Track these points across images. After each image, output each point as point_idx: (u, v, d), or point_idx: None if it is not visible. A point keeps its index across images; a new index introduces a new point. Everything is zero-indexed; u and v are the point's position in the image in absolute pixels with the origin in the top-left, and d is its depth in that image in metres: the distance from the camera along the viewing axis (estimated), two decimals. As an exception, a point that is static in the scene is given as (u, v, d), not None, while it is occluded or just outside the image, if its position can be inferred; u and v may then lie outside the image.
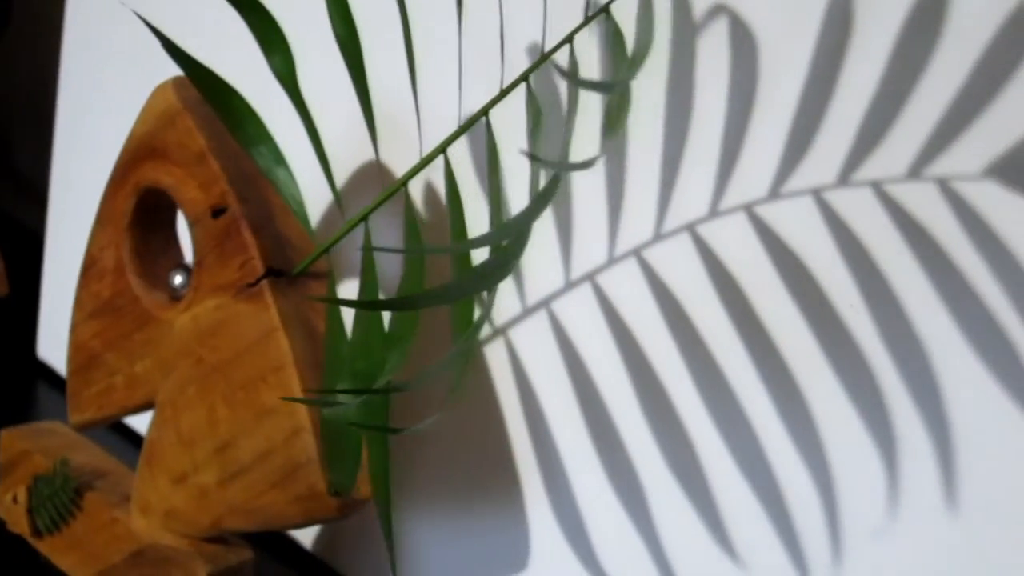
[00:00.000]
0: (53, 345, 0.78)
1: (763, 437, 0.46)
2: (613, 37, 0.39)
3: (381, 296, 0.47)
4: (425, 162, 0.41)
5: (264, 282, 0.47)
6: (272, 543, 0.63)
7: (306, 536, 0.64)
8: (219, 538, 0.54)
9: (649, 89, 0.48)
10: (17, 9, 0.92)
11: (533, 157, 0.25)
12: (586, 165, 0.29)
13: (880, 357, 0.43)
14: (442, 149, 0.42)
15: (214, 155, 0.48)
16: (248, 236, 0.47)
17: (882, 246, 0.43)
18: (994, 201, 0.40)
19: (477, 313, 0.46)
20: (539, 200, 0.29)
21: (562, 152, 0.33)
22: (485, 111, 0.41)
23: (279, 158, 0.47)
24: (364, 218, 0.45)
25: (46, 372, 0.78)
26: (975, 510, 0.42)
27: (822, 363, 0.45)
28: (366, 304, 0.40)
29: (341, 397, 0.42)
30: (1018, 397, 0.40)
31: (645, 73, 0.48)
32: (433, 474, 0.58)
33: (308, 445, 0.46)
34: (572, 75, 0.29)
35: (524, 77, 0.40)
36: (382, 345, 0.42)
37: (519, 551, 0.55)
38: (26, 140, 0.98)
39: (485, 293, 0.41)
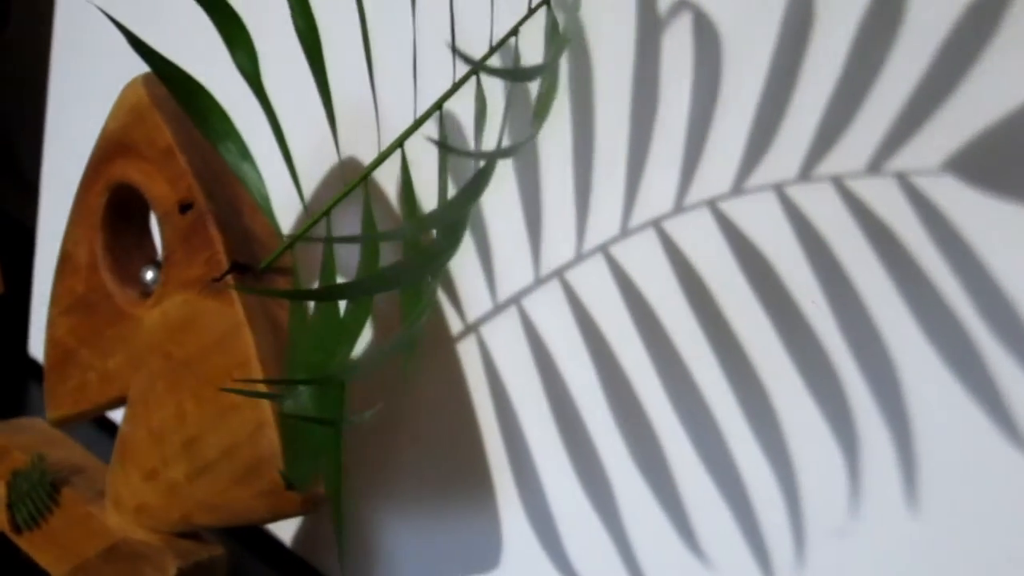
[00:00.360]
0: (44, 343, 0.78)
1: (727, 434, 0.46)
2: (551, 29, 0.39)
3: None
4: (382, 157, 0.41)
5: (229, 277, 0.47)
6: (254, 541, 0.64)
7: (287, 534, 0.64)
8: (192, 534, 0.54)
9: (616, 86, 0.48)
10: (17, 7, 0.93)
11: (442, 146, 0.25)
12: (505, 154, 0.29)
13: (841, 354, 0.43)
14: (399, 143, 0.42)
15: (181, 150, 0.49)
16: (214, 231, 0.47)
17: (843, 241, 0.42)
18: (952, 195, 0.40)
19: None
20: (468, 190, 0.29)
21: (499, 142, 0.33)
22: (439, 105, 0.41)
23: (245, 154, 0.47)
24: (327, 213, 0.45)
25: (38, 370, 0.78)
26: (935, 508, 0.41)
27: (785, 360, 0.44)
28: (305, 294, 0.40)
29: (297, 390, 0.42)
30: (977, 393, 0.40)
31: (612, 69, 0.48)
32: (409, 471, 0.58)
33: (271, 440, 0.46)
34: (487, 69, 0.28)
35: (474, 71, 0.40)
36: (335, 337, 0.42)
37: (492, 547, 0.55)
38: (28, 138, 0.99)
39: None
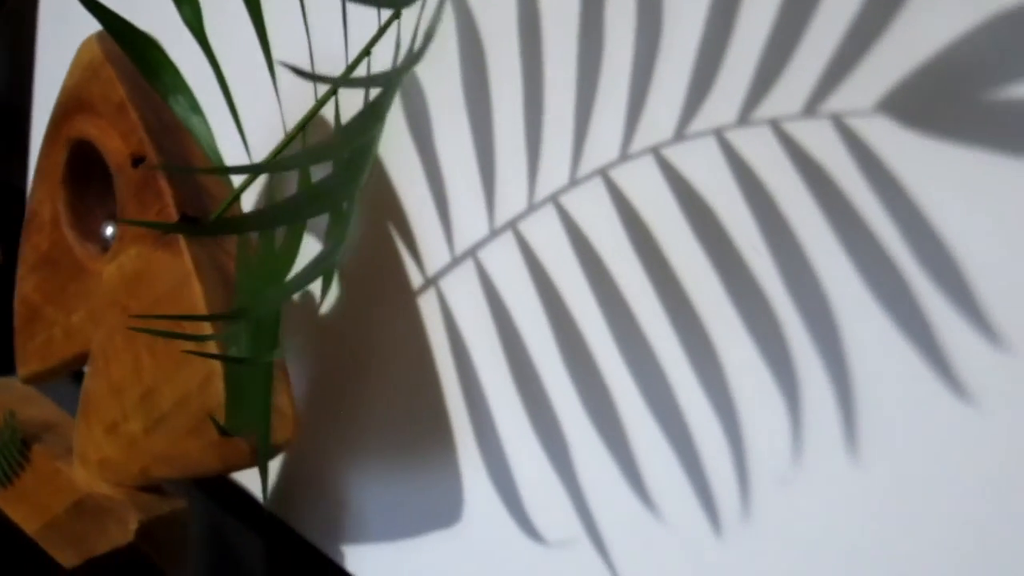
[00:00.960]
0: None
1: (674, 383, 0.46)
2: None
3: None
4: (317, 108, 0.41)
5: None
6: (231, 499, 0.64)
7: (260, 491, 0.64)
8: (155, 488, 0.54)
9: (562, 37, 0.47)
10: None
11: (302, 73, 0.25)
12: (380, 81, 0.29)
13: (782, 300, 0.43)
14: (332, 92, 0.42)
15: (133, 105, 0.49)
16: (163, 184, 0.48)
17: (782, 186, 0.42)
18: (885, 136, 0.39)
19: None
20: (357, 121, 0.29)
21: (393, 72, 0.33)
22: (367, 51, 0.41)
23: (195, 107, 0.47)
24: (268, 165, 0.45)
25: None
26: (875, 455, 0.41)
27: (728, 308, 0.44)
28: (213, 227, 0.40)
29: (233, 334, 0.42)
30: (914, 339, 0.39)
31: (558, 19, 0.48)
32: (377, 428, 0.58)
33: (219, 391, 0.47)
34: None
35: (395, 16, 0.39)
36: (269, 277, 0.42)
37: (454, 501, 0.55)
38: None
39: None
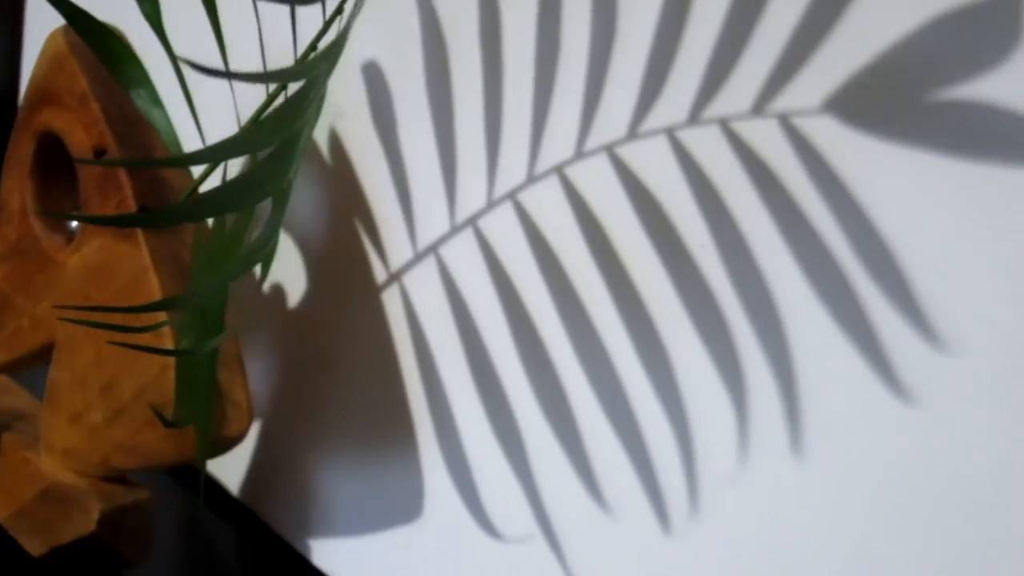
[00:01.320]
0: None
1: (626, 383, 0.46)
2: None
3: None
4: (269, 101, 0.42)
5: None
6: (204, 490, 0.64)
7: (234, 484, 0.65)
8: (119, 478, 0.55)
9: (522, 36, 0.47)
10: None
11: (199, 68, 0.25)
12: (290, 76, 0.29)
13: (729, 299, 0.43)
14: (280, 89, 0.42)
15: (95, 97, 0.49)
16: (123, 175, 0.48)
17: (729, 185, 0.42)
18: (831, 136, 0.39)
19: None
20: (285, 108, 0.29)
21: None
22: (313, 45, 0.41)
23: (156, 100, 0.48)
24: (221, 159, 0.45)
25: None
26: (818, 455, 0.41)
27: (677, 305, 0.44)
28: (148, 219, 0.40)
29: (186, 329, 0.42)
30: (856, 339, 0.39)
31: (518, 19, 0.48)
32: (343, 421, 0.58)
33: (171, 381, 0.47)
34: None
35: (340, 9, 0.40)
36: (211, 269, 0.42)
37: (415, 496, 0.55)
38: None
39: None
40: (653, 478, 0.45)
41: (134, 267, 0.48)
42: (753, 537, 0.43)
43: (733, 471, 0.43)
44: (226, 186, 0.30)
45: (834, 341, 0.40)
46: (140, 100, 0.48)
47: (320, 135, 0.56)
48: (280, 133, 0.31)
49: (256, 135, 0.29)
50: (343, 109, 0.55)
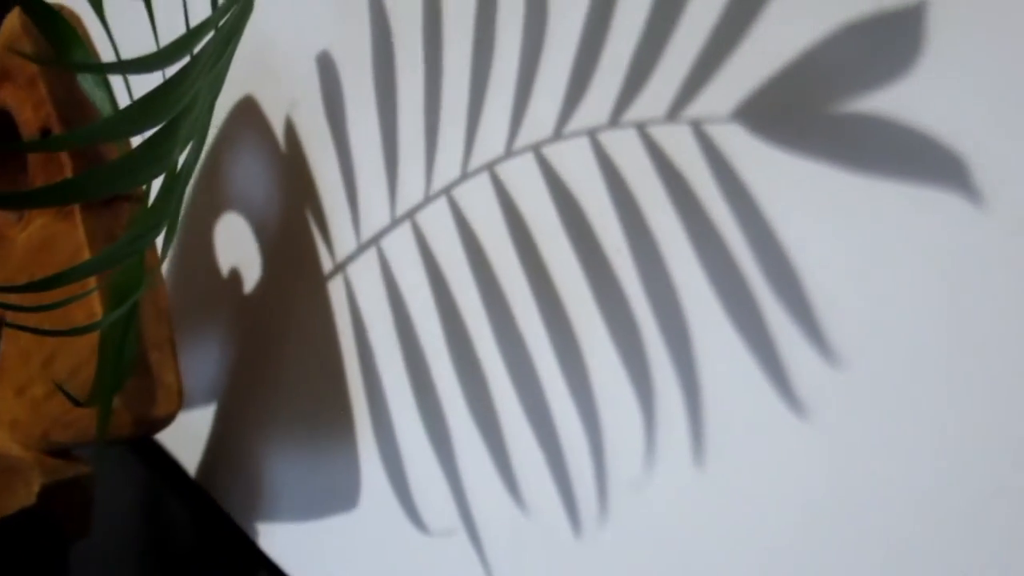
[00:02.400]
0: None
1: (545, 384, 0.46)
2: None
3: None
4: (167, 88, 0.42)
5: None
6: (164, 469, 0.65)
7: (191, 464, 0.66)
8: (63, 452, 0.55)
9: (459, 36, 0.47)
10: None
11: (37, 60, 0.25)
12: (136, 68, 0.29)
13: (640, 304, 0.42)
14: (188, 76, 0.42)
15: (44, 78, 0.50)
16: (64, 156, 0.49)
17: (645, 190, 0.42)
18: (738, 144, 0.39)
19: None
20: (147, 100, 0.30)
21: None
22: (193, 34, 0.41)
23: (100, 82, 0.48)
24: (160, 140, 0.46)
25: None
26: (717, 465, 0.41)
27: (593, 310, 0.44)
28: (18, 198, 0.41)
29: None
30: (757, 351, 0.39)
31: (457, 20, 0.48)
32: (287, 406, 0.59)
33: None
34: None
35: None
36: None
37: (352, 485, 0.55)
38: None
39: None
40: (567, 480, 0.45)
41: (71, 245, 0.49)
42: (653, 540, 0.43)
43: (639, 476, 0.43)
44: (96, 171, 0.31)
45: (736, 351, 0.40)
46: (85, 82, 0.49)
47: (276, 124, 0.57)
48: (151, 118, 0.31)
49: (125, 120, 0.30)
50: (298, 98, 0.55)
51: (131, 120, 0.31)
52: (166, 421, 0.50)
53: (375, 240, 0.52)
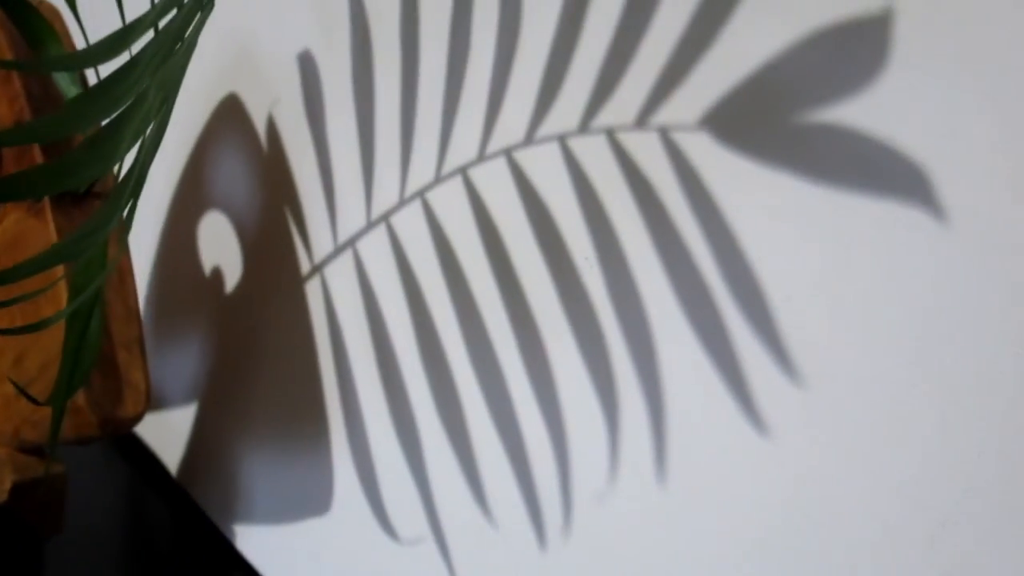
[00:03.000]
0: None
1: (513, 394, 0.45)
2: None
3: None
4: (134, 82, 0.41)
5: (47, 199, 0.48)
6: (146, 468, 0.65)
7: (173, 464, 0.65)
8: (37, 450, 0.55)
9: (434, 44, 0.47)
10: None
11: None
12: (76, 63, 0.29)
13: (607, 315, 0.42)
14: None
15: (19, 74, 0.49)
16: (37, 152, 0.48)
17: (612, 197, 0.41)
18: (703, 152, 0.38)
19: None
20: (81, 98, 0.29)
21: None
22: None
23: (75, 78, 0.48)
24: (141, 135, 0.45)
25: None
26: (677, 478, 0.40)
27: (560, 318, 0.43)
28: None
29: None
30: (719, 364, 0.38)
31: (433, 29, 0.47)
32: (264, 409, 0.58)
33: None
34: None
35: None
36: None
37: (325, 489, 0.55)
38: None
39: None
40: (532, 491, 0.45)
41: (42, 241, 0.48)
42: (613, 552, 0.42)
43: (603, 490, 0.42)
44: (35, 169, 0.30)
45: (699, 364, 0.39)
46: (61, 79, 0.48)
47: (259, 121, 0.56)
48: (90, 117, 0.30)
49: (61, 119, 0.29)
50: (280, 96, 0.55)
51: (67, 119, 0.30)
52: (133, 421, 0.49)
53: (351, 242, 0.51)
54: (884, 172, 0.33)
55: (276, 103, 0.55)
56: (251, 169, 0.57)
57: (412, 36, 0.48)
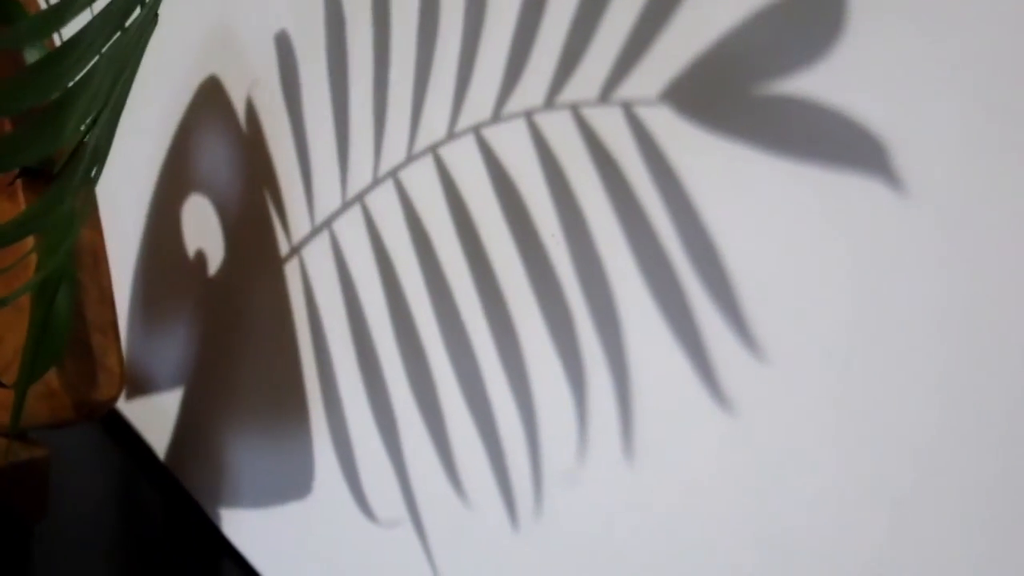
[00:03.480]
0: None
1: (485, 376, 0.45)
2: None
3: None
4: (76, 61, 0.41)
5: (19, 181, 0.48)
6: (135, 452, 0.65)
7: (160, 448, 0.65)
8: (21, 435, 0.55)
9: (405, 26, 0.46)
10: None
11: None
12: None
13: (574, 294, 0.41)
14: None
15: (-10, 55, 0.49)
16: (6, 124, 0.48)
17: (578, 173, 0.40)
18: (665, 125, 0.37)
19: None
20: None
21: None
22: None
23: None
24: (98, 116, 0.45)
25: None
26: (646, 461, 0.39)
27: (529, 295, 0.43)
28: None
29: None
30: (685, 343, 0.38)
31: (404, 12, 0.47)
32: (248, 393, 0.58)
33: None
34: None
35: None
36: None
37: (306, 473, 0.54)
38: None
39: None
40: (504, 472, 0.44)
41: (15, 225, 0.48)
42: (585, 533, 0.42)
43: (574, 471, 0.42)
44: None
45: (664, 341, 0.38)
46: (31, 57, 0.48)
47: (238, 103, 0.56)
48: (29, 95, 0.30)
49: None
50: (259, 77, 0.54)
51: (9, 96, 0.30)
52: (107, 404, 0.49)
53: (327, 223, 0.51)
54: (843, 143, 0.33)
55: (255, 84, 0.54)
56: (232, 151, 0.56)
57: (383, 16, 0.47)
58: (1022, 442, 0.30)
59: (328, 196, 0.51)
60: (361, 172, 0.49)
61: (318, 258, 0.52)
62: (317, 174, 0.51)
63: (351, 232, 0.50)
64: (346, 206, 0.50)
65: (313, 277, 0.52)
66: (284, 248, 0.54)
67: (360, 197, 0.49)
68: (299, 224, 0.53)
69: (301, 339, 0.53)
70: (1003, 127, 0.29)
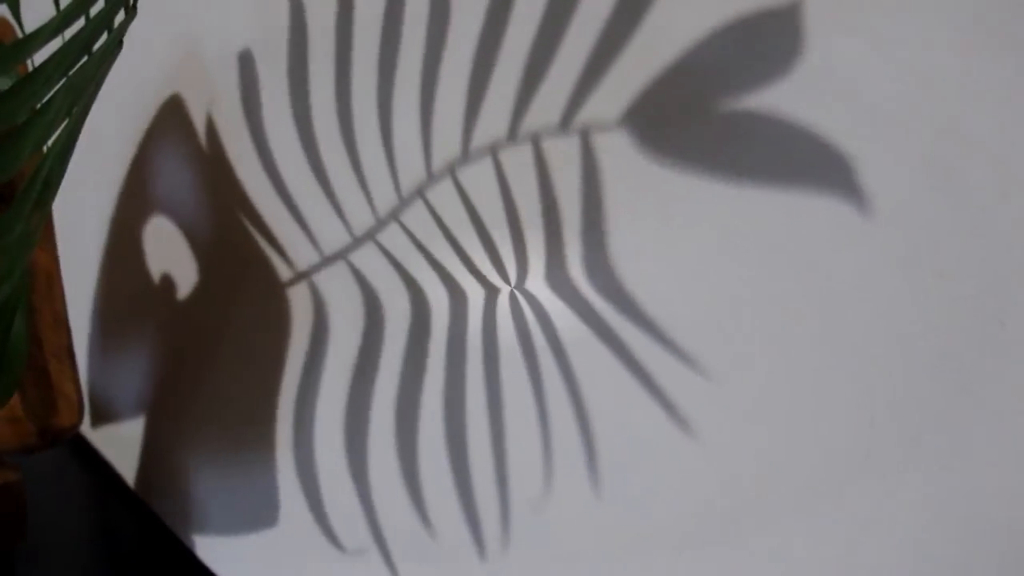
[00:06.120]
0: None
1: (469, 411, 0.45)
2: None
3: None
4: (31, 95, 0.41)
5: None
6: (107, 479, 0.65)
7: (130, 475, 0.65)
8: (-10, 459, 0.55)
9: (366, 70, 0.47)
10: None
11: None
12: None
13: (535, 333, 0.41)
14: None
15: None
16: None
17: (531, 210, 0.41)
18: (625, 151, 0.38)
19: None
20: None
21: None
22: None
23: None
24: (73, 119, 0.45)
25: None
26: (610, 486, 0.39)
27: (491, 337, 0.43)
28: None
29: None
30: (631, 369, 0.38)
31: (366, 56, 0.47)
32: (218, 418, 0.58)
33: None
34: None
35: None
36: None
37: (272, 501, 0.54)
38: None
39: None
40: (472, 504, 0.44)
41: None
42: (554, 559, 0.42)
43: (539, 499, 0.42)
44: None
45: (613, 367, 0.39)
46: (3, 85, 0.48)
47: (199, 122, 0.56)
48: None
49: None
50: (218, 93, 0.54)
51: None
52: (70, 431, 0.49)
53: (310, 242, 0.51)
54: (802, 164, 0.33)
55: (212, 102, 0.55)
56: (195, 172, 0.56)
57: (346, 44, 0.47)
58: (971, 456, 0.30)
59: (303, 216, 0.51)
60: (347, 194, 0.49)
61: (291, 280, 0.52)
62: (291, 194, 0.52)
63: (328, 256, 0.50)
64: (326, 262, 0.50)
65: (289, 300, 0.52)
66: (255, 270, 0.54)
67: (342, 255, 0.49)
68: (269, 248, 0.53)
69: (272, 364, 0.53)
70: (958, 147, 0.30)
